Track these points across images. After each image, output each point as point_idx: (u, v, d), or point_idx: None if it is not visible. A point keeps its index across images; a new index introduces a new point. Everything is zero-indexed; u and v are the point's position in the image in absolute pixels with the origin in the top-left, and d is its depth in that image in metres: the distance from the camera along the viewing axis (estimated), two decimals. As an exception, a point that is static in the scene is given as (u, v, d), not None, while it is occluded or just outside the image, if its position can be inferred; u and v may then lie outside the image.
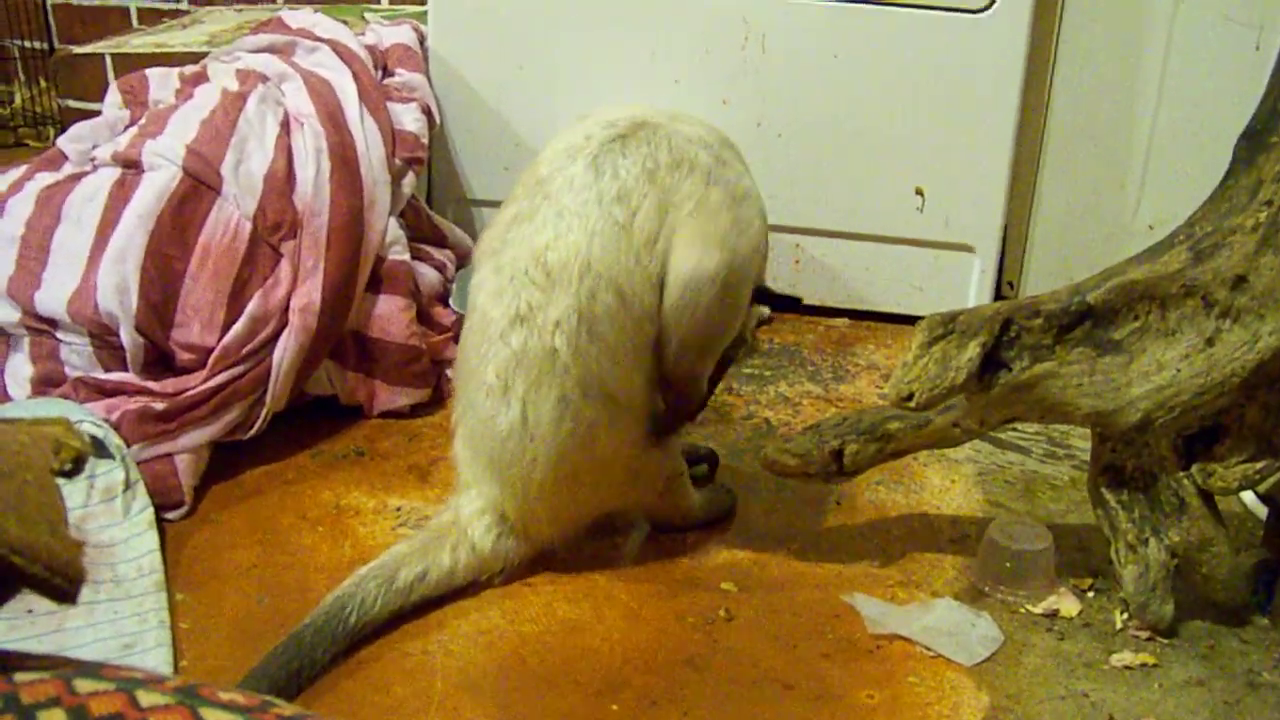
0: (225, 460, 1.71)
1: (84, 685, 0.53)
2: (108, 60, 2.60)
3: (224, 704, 0.55)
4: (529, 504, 1.44)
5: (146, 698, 0.53)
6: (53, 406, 1.60)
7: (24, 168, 1.84)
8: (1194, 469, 1.39)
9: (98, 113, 2.02)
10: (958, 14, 2.08)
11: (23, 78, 3.39)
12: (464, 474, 1.49)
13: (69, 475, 1.48)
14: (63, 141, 1.90)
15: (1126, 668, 1.37)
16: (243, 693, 0.57)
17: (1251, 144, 1.35)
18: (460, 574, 1.45)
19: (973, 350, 1.31)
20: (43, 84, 3.23)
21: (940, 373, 1.31)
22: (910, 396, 1.32)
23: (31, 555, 0.59)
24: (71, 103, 2.67)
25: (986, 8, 2.07)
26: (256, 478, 1.71)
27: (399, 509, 1.65)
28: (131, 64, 2.43)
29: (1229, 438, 1.36)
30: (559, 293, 1.35)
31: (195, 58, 2.19)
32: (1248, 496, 1.64)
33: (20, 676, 0.53)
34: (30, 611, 1.33)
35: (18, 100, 3.37)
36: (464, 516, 1.47)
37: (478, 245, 1.49)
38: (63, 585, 0.61)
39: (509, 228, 1.41)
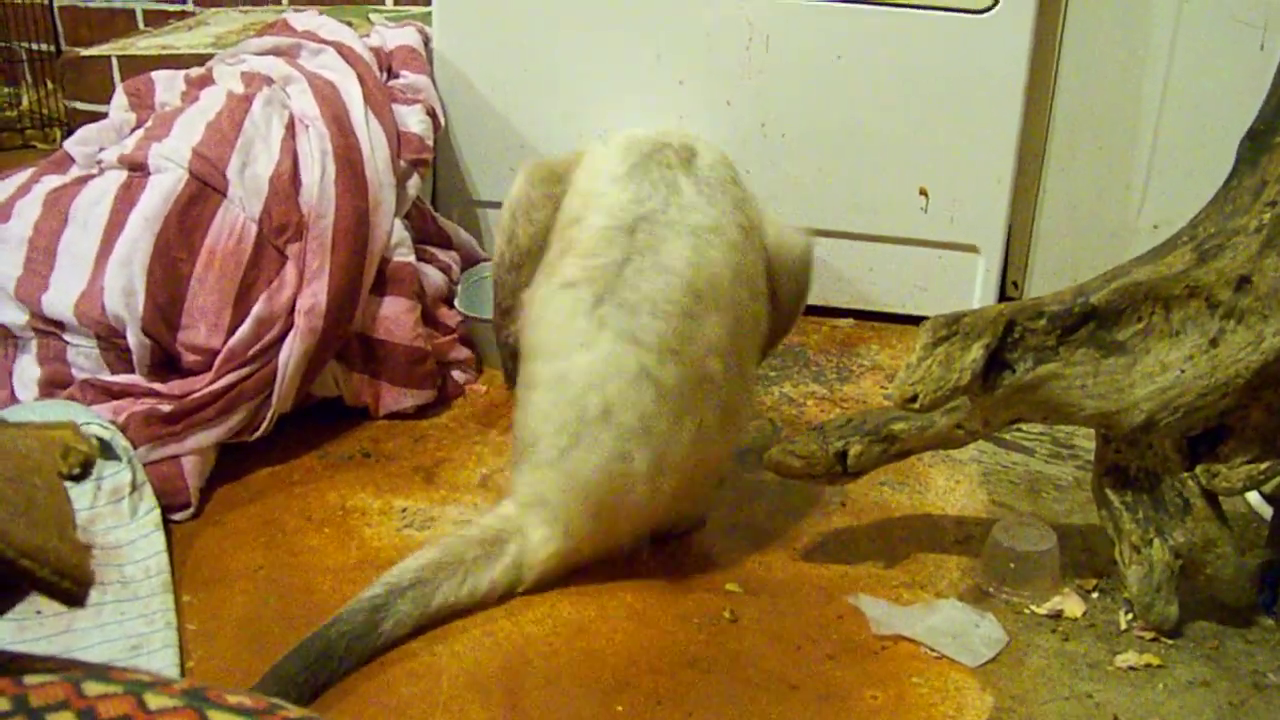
0: (231, 462, 1.72)
1: (92, 688, 0.54)
2: (114, 62, 2.61)
3: (232, 707, 0.55)
4: (628, 531, 1.48)
5: (154, 700, 0.54)
6: (60, 409, 1.61)
7: (31, 170, 1.85)
8: (1198, 470, 1.39)
9: (104, 115, 2.01)
10: (961, 14, 2.08)
11: (30, 80, 3.40)
12: (548, 513, 1.44)
13: (77, 479, 1.49)
14: (69, 144, 1.90)
15: (1131, 669, 1.37)
16: (250, 695, 0.57)
17: (1255, 144, 1.35)
18: (495, 595, 1.45)
19: (976, 352, 1.31)
20: (49, 86, 3.24)
21: (944, 374, 1.31)
22: (914, 398, 1.32)
23: (40, 559, 0.59)
24: (78, 105, 2.68)
25: (990, 8, 2.07)
26: (263, 479, 1.72)
27: (404, 510, 1.65)
28: (138, 66, 2.44)
29: (1233, 438, 1.36)
30: (711, 313, 1.40)
31: (201, 59, 2.19)
32: (1252, 497, 1.64)
33: (29, 679, 0.54)
34: (39, 613, 1.34)
35: (25, 103, 3.38)
36: (531, 547, 1.45)
37: (576, 292, 1.41)
38: (71, 588, 0.61)
39: (619, 270, 1.39)
